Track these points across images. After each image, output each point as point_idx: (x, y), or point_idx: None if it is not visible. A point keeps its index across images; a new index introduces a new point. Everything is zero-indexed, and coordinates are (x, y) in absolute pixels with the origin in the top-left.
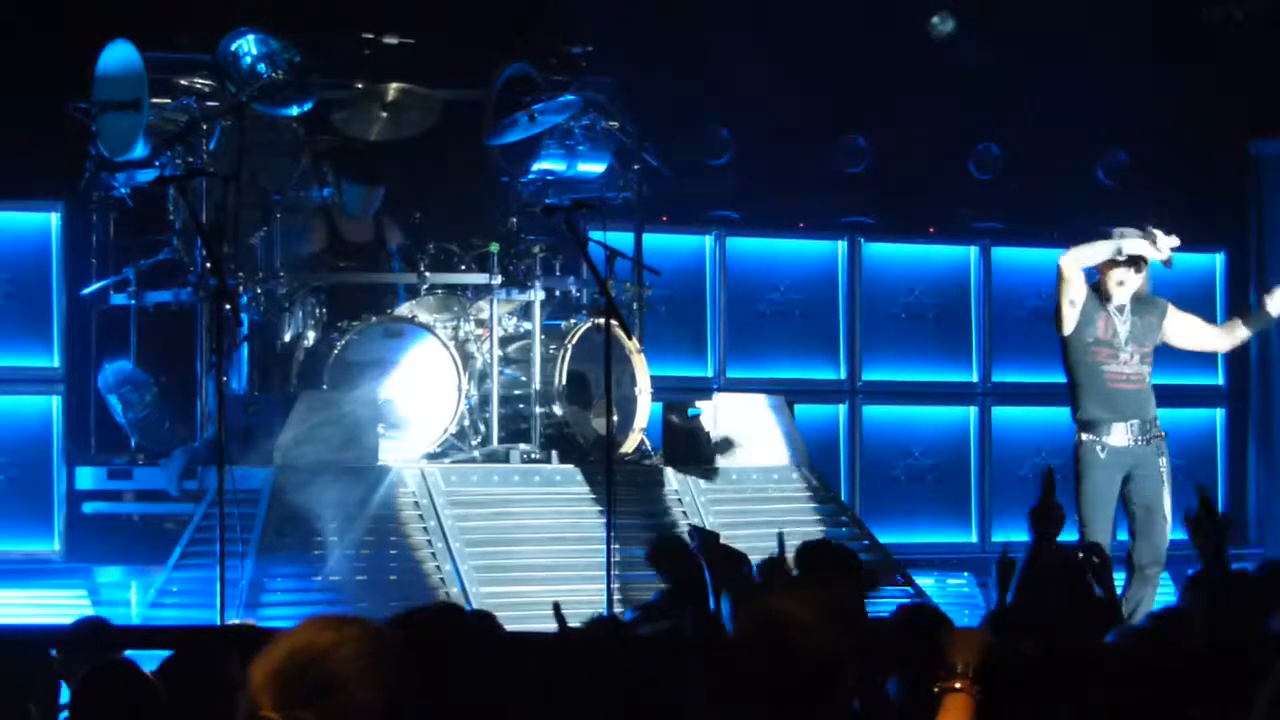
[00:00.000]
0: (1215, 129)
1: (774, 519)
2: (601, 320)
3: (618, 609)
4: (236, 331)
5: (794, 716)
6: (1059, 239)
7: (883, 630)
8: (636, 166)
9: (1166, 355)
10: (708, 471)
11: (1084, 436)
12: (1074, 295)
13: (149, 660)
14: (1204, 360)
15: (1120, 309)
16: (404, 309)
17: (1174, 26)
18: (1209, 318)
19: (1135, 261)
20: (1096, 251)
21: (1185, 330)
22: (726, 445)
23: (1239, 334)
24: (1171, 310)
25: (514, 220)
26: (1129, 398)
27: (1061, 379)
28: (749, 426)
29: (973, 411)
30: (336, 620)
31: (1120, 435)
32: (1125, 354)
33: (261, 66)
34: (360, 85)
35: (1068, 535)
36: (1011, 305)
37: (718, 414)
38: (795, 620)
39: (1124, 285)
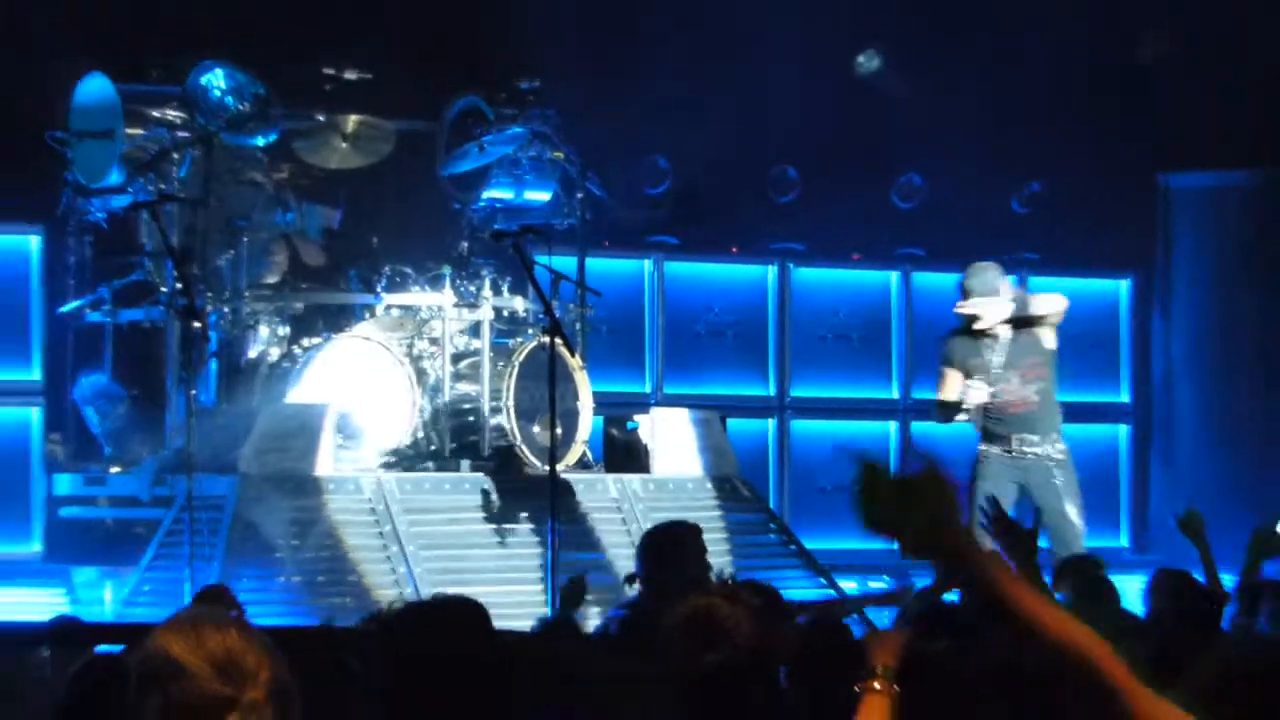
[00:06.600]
0: (1126, 162)
1: (707, 526)
2: (547, 339)
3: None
4: (204, 347)
5: (725, 697)
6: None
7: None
8: (580, 195)
9: (1076, 377)
10: (645, 481)
11: (979, 447)
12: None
13: None
14: (1110, 380)
15: (990, 343)
16: (362, 327)
17: (1090, 65)
18: (1114, 337)
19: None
20: (943, 409)
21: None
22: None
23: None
24: (1032, 300)
25: (465, 244)
26: (1015, 419)
27: None
28: (684, 439)
29: (893, 426)
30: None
31: (1004, 448)
32: (1003, 383)
33: (229, 99)
34: (321, 117)
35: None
36: (931, 327)
37: (655, 427)
38: (725, 613)
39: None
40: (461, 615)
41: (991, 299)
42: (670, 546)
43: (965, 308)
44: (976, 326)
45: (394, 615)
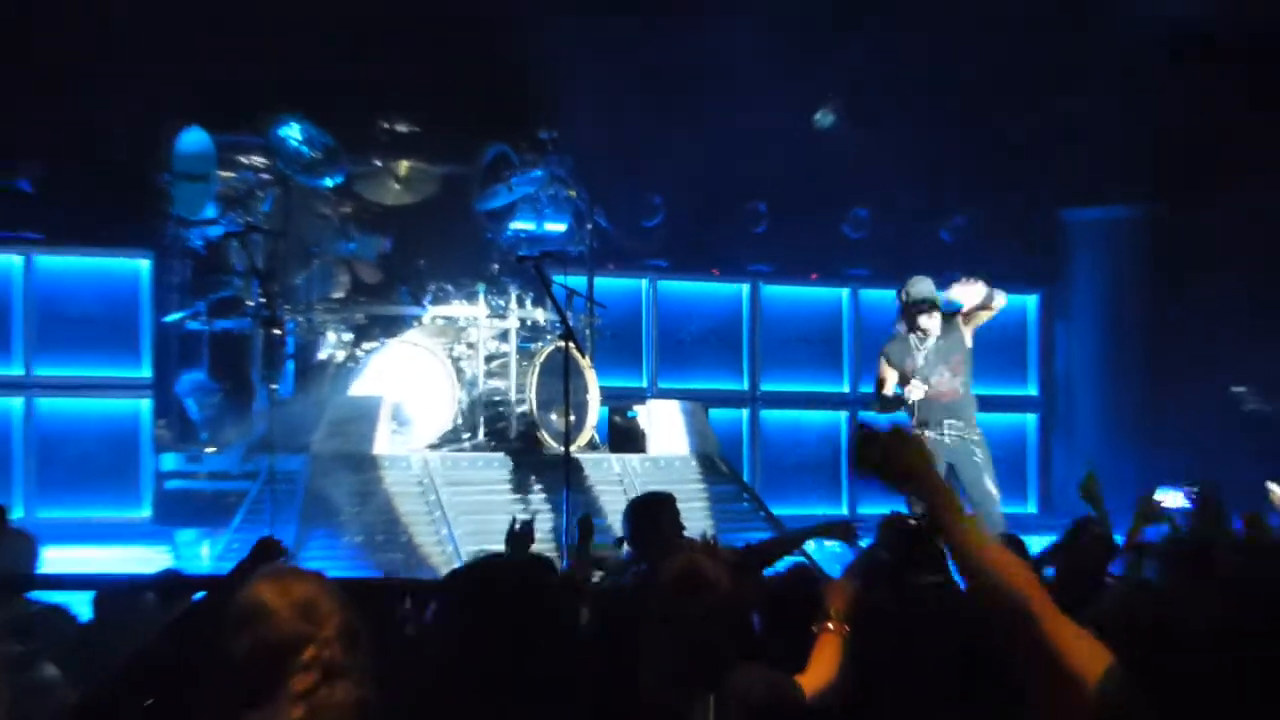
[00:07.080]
0: (1033, 200)
1: (694, 496)
2: (562, 343)
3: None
4: (283, 351)
5: (706, 639)
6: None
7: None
8: (589, 226)
9: (990, 372)
10: (643, 459)
11: (915, 431)
12: (892, 385)
13: None
14: (1021, 377)
15: (921, 342)
16: (411, 334)
17: (1004, 120)
18: (1024, 342)
19: (924, 316)
20: (885, 402)
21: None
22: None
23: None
24: (995, 294)
25: (495, 266)
26: (943, 407)
27: None
28: (675, 425)
29: (843, 415)
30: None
31: (936, 432)
32: (935, 378)
33: (304, 148)
34: (379, 162)
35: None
36: (877, 334)
37: (650, 416)
38: (708, 569)
39: (928, 324)
40: (532, 564)
41: (969, 289)
42: (648, 514)
43: (973, 295)
44: (969, 305)
45: (479, 562)
